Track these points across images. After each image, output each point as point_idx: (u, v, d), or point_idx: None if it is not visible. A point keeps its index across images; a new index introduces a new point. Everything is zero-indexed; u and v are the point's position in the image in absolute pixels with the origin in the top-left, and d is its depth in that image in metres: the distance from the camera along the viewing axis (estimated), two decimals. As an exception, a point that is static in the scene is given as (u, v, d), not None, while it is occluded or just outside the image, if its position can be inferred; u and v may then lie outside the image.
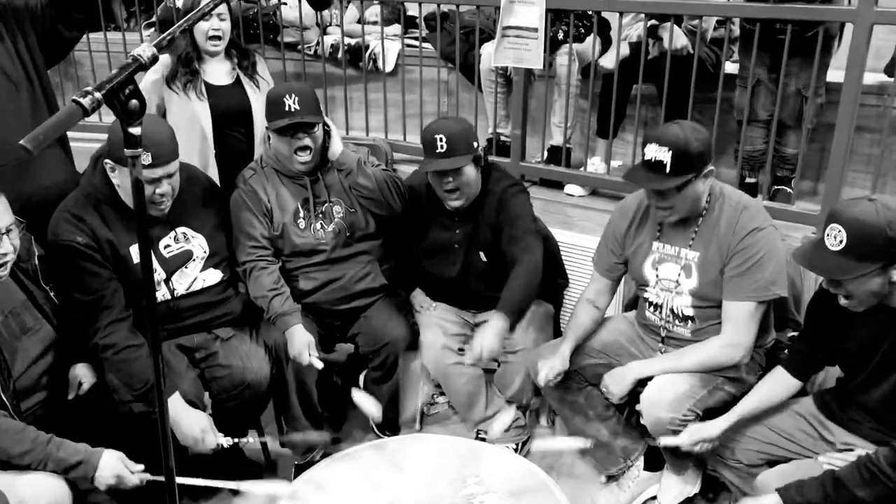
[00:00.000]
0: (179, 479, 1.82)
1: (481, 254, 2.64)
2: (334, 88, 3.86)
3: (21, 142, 0.93)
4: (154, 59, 1.04)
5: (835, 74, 2.96)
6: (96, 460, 1.93)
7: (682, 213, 2.21)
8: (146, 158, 2.13)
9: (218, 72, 3.01)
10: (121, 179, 2.25)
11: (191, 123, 2.97)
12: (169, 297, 2.40)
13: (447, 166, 2.46)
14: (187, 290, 2.44)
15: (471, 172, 2.52)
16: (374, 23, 4.15)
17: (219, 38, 2.94)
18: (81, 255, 2.23)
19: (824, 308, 2.01)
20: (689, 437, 2.14)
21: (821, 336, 2.06)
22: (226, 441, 2.24)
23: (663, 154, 2.08)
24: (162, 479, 1.36)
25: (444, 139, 2.45)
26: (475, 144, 2.52)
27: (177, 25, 1.11)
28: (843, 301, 1.87)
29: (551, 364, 2.37)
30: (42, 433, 1.92)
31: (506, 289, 2.49)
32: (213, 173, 3.03)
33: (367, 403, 2.26)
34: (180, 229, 2.42)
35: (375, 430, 2.89)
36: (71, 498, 1.92)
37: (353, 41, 3.96)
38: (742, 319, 2.20)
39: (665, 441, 2.20)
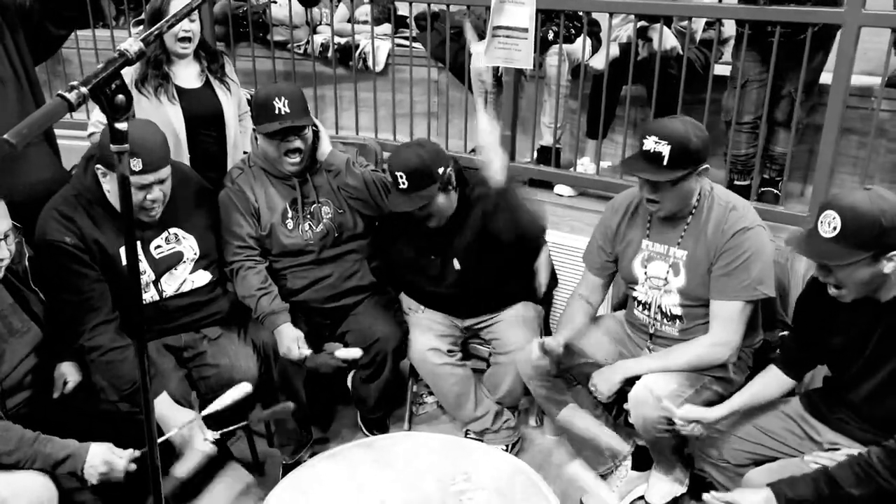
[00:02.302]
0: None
1: (455, 261, 2.61)
2: (324, 87, 3.85)
3: (4, 136, 0.92)
4: (141, 54, 1.03)
5: (823, 76, 2.98)
6: (84, 453, 1.93)
7: (671, 208, 2.22)
8: (137, 164, 2.11)
9: (188, 75, 2.92)
10: (111, 185, 2.23)
11: (163, 127, 2.91)
12: (157, 298, 2.39)
13: (411, 206, 2.42)
14: (176, 291, 2.42)
15: (439, 201, 2.46)
16: (365, 22, 4.15)
17: (189, 39, 2.84)
18: (69, 255, 2.21)
19: (813, 303, 2.02)
20: (687, 412, 2.13)
21: (810, 330, 2.07)
22: (212, 435, 2.22)
23: (662, 147, 2.08)
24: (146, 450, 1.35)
25: (404, 176, 2.39)
26: (440, 170, 2.42)
27: (164, 21, 1.11)
28: (832, 291, 1.87)
29: (548, 342, 2.33)
30: (28, 431, 1.91)
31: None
32: None
33: (349, 351, 2.26)
34: (172, 230, 2.41)
35: (363, 428, 2.89)
36: (57, 497, 1.90)
37: (342, 40, 3.96)
38: (730, 318, 2.21)
39: (666, 406, 2.16)
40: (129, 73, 2.86)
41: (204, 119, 2.92)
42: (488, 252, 2.56)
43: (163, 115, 2.82)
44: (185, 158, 2.91)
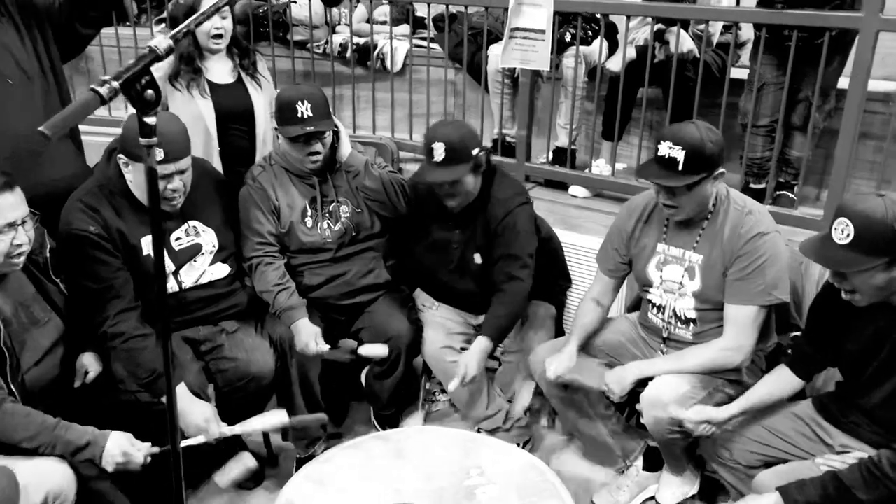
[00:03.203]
0: (185, 442, 1.88)
1: (476, 255, 2.64)
2: (342, 87, 3.89)
3: (40, 128, 0.96)
4: (170, 51, 1.07)
5: (841, 81, 2.97)
6: (104, 441, 1.96)
7: (689, 212, 2.23)
8: (158, 154, 2.15)
9: (220, 70, 3.02)
10: (133, 175, 2.27)
11: (194, 121, 2.99)
12: (177, 289, 2.42)
13: (444, 178, 2.45)
14: (195, 282, 2.46)
15: (468, 180, 2.50)
16: (383, 23, 4.18)
17: (220, 35, 2.94)
18: (93, 244, 2.25)
19: (828, 306, 2.02)
20: (696, 414, 2.14)
21: (823, 334, 2.07)
22: (229, 430, 2.26)
23: (677, 152, 2.09)
24: (166, 448, 1.38)
25: (444, 147, 2.42)
26: (474, 151, 2.48)
27: (192, 19, 1.14)
28: (846, 296, 1.88)
29: (559, 359, 2.38)
30: (49, 417, 1.95)
31: (490, 313, 2.55)
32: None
33: (374, 348, 2.24)
34: (192, 223, 2.45)
35: (376, 425, 2.91)
36: (75, 484, 1.93)
37: (361, 40, 3.99)
38: (743, 323, 2.21)
39: (673, 410, 2.18)
40: (162, 68, 2.94)
41: (234, 114, 3.00)
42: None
43: (194, 109, 2.90)
44: (216, 153, 2.98)
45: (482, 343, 2.48)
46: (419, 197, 2.71)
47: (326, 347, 2.49)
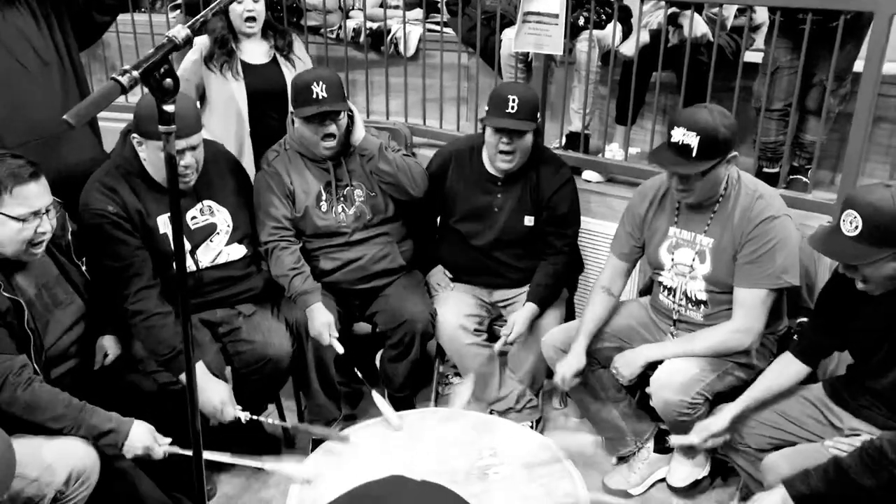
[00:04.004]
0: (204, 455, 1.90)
1: (528, 218, 2.72)
2: (356, 72, 3.90)
3: (64, 116, 0.99)
4: (188, 41, 1.10)
5: (857, 64, 2.95)
6: (127, 430, 2.00)
7: (700, 196, 2.24)
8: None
9: (255, 51, 3.11)
10: (147, 154, 2.31)
11: (228, 103, 3.06)
12: (194, 268, 2.46)
13: (515, 126, 2.53)
14: (212, 262, 2.50)
15: (529, 140, 2.60)
16: (396, 7, 4.18)
17: (253, 19, 3.04)
18: (112, 223, 2.30)
19: (838, 293, 2.02)
20: (699, 437, 2.16)
21: (832, 321, 2.08)
22: (244, 415, 2.30)
23: (691, 138, 2.09)
24: (187, 452, 1.42)
25: (517, 101, 2.51)
26: (538, 116, 2.63)
27: (209, 8, 1.16)
28: (859, 285, 1.89)
29: (569, 364, 2.41)
30: (75, 399, 1.99)
31: (535, 281, 2.71)
32: (248, 153, 3.10)
33: (387, 410, 2.23)
34: (206, 202, 2.49)
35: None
36: (98, 463, 1.98)
37: (375, 25, 3.99)
38: (753, 306, 2.22)
39: (676, 440, 2.22)
40: (198, 51, 3.04)
41: (267, 94, 3.08)
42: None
43: (228, 90, 2.98)
44: (246, 133, 3.05)
45: (530, 307, 2.67)
46: (459, 162, 2.77)
47: (340, 349, 2.52)
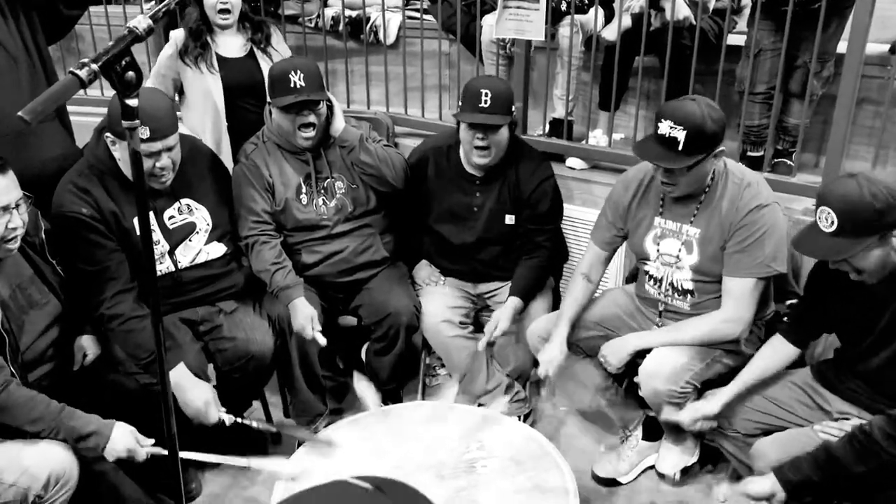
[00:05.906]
0: (185, 454, 1.87)
1: (508, 217, 2.68)
2: (335, 61, 3.84)
3: (19, 113, 0.94)
4: (150, 31, 1.05)
5: (841, 45, 2.93)
6: (108, 433, 1.97)
7: (686, 190, 2.21)
8: (144, 132, 2.14)
9: (231, 45, 3.05)
10: (121, 153, 2.26)
11: (204, 97, 3.01)
12: (173, 269, 2.42)
13: (488, 121, 2.49)
14: (191, 262, 2.45)
15: (504, 134, 2.56)
16: (376, -6, 4.11)
17: (227, 10, 2.96)
18: (86, 226, 2.25)
19: (827, 275, 2.01)
20: (689, 417, 2.17)
21: (821, 303, 2.07)
22: (228, 418, 2.26)
23: (678, 132, 2.06)
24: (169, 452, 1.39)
25: (490, 95, 2.46)
26: (514, 108, 2.57)
27: (172, -1, 1.12)
28: (854, 276, 1.88)
29: (550, 356, 2.39)
30: (54, 402, 1.95)
31: (518, 275, 2.67)
32: (227, 146, 3.06)
33: (368, 394, 2.23)
34: (184, 201, 2.44)
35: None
36: (77, 466, 1.95)
37: (354, 13, 3.94)
38: (742, 295, 2.21)
39: (666, 415, 2.21)
40: (174, 44, 2.99)
41: (243, 88, 3.03)
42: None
43: (203, 84, 2.94)
44: (224, 127, 3.01)
45: (514, 301, 2.63)
46: (437, 162, 2.72)
47: (323, 341, 2.48)
